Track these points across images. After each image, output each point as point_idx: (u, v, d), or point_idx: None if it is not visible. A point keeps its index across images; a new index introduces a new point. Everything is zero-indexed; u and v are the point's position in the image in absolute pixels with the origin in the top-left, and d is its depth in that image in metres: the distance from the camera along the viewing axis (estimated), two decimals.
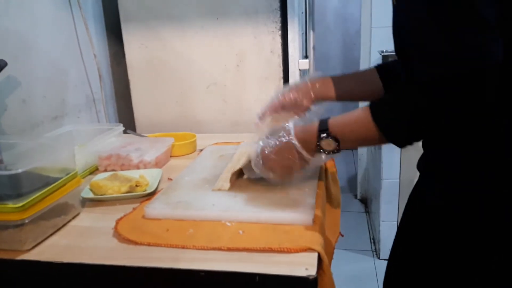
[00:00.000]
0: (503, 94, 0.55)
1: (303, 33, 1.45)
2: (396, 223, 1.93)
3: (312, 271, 0.56)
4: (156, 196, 0.80)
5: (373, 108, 0.62)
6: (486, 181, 0.59)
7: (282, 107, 0.85)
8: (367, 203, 2.59)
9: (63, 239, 0.70)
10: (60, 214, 0.73)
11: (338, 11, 3.45)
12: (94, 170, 1.02)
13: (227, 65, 1.39)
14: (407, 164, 1.86)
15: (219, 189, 0.80)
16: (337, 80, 0.85)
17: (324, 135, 0.66)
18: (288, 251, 0.61)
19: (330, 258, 0.76)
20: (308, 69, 1.39)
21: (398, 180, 1.89)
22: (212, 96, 1.43)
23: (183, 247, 0.64)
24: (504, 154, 0.57)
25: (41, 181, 0.69)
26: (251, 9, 1.31)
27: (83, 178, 0.97)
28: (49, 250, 0.66)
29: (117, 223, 0.72)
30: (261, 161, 0.73)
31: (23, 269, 0.65)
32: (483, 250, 0.60)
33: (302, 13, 1.42)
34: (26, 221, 0.65)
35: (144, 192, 0.83)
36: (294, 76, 1.38)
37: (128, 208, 0.79)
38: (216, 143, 1.15)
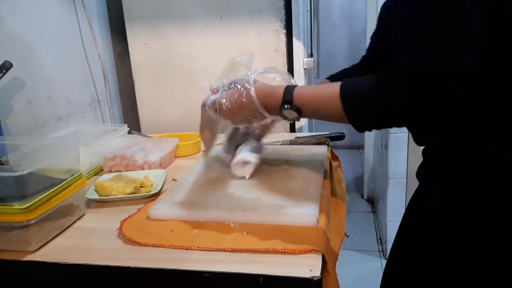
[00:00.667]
0: (503, 94, 0.55)
1: (307, 32, 1.44)
2: None
3: (316, 273, 0.56)
4: (160, 197, 0.80)
5: (343, 86, 0.61)
6: (486, 181, 0.58)
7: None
8: (374, 203, 2.58)
9: (68, 240, 0.70)
10: (65, 215, 0.74)
11: (344, 8, 3.43)
12: (99, 171, 1.03)
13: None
14: (414, 164, 1.84)
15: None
16: None
17: (288, 106, 0.66)
18: (293, 252, 0.60)
19: (335, 259, 0.75)
20: (313, 68, 1.38)
21: (405, 179, 1.88)
22: None
23: (187, 248, 0.64)
24: (504, 154, 0.56)
25: (46, 182, 0.70)
26: (255, 7, 1.31)
27: (88, 179, 0.97)
28: (54, 251, 0.67)
29: (121, 224, 0.72)
30: (217, 111, 0.72)
31: (28, 270, 0.66)
32: (483, 250, 0.59)
33: (307, 11, 1.41)
34: (32, 222, 0.65)
35: (149, 193, 0.83)
36: (299, 75, 1.37)
37: (132, 209, 0.79)
38: (221, 144, 1.15)
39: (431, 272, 0.65)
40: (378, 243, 2.16)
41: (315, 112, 0.66)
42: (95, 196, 0.84)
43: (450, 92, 0.53)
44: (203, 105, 0.75)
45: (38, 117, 1.14)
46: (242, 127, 0.89)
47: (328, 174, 0.91)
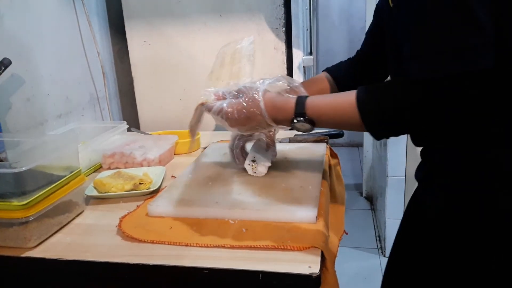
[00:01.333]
0: (504, 95, 0.55)
1: (307, 30, 1.44)
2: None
3: (315, 269, 0.56)
4: (159, 194, 0.80)
5: (359, 96, 0.61)
6: (486, 181, 0.58)
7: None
8: (373, 200, 2.58)
9: (67, 236, 0.70)
10: (64, 211, 0.74)
11: (343, 7, 3.42)
12: (98, 168, 1.03)
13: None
14: (413, 162, 1.84)
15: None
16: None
17: (301, 119, 0.65)
18: (292, 249, 0.60)
19: (334, 256, 0.75)
20: (312, 66, 1.38)
21: (404, 177, 1.88)
22: None
23: (186, 245, 0.64)
24: (504, 154, 0.57)
25: (45, 179, 0.70)
26: (254, 5, 1.31)
27: (87, 176, 0.97)
28: (54, 248, 0.67)
29: (120, 220, 0.72)
30: (224, 119, 0.70)
31: (27, 266, 0.66)
32: (483, 250, 0.59)
33: (306, 9, 1.41)
34: (31, 218, 0.65)
35: (148, 190, 0.84)
36: (298, 73, 1.37)
37: (131, 206, 0.79)
38: (220, 141, 1.15)
39: (432, 272, 0.66)
40: (376, 240, 2.17)
41: (330, 123, 0.65)
42: (94, 193, 0.84)
43: (467, 95, 0.53)
44: (209, 110, 0.73)
45: (37, 114, 1.14)
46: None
47: (327, 171, 0.91)
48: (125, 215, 0.74)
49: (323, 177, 0.84)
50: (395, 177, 1.89)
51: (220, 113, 0.69)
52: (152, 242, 0.65)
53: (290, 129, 0.69)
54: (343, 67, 0.92)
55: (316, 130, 1.22)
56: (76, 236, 0.70)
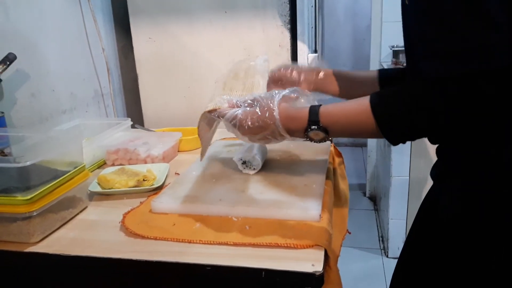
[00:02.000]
0: (504, 94, 0.54)
1: (312, 27, 1.44)
2: (405, 221, 1.91)
3: (318, 267, 0.56)
4: (163, 191, 0.80)
5: (373, 101, 0.60)
6: (486, 181, 0.57)
7: (278, 80, 0.83)
8: (376, 201, 2.57)
9: (70, 232, 0.70)
10: (68, 207, 0.74)
11: (348, 5, 3.41)
12: (102, 164, 1.03)
13: (235, 59, 1.38)
14: (417, 162, 1.83)
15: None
16: (339, 77, 0.84)
17: (315, 127, 0.64)
18: (295, 246, 0.60)
19: (337, 255, 0.75)
20: (317, 64, 1.38)
21: (408, 178, 1.87)
22: None
23: (189, 242, 0.64)
24: (504, 154, 0.56)
25: (49, 174, 0.70)
26: (260, 2, 1.30)
27: (91, 172, 0.97)
28: (57, 243, 0.67)
29: (124, 217, 0.72)
30: (236, 127, 0.69)
31: (31, 261, 0.66)
32: (483, 250, 0.59)
33: (312, 6, 1.41)
34: (34, 213, 0.65)
35: (152, 187, 0.83)
36: None
37: (135, 202, 0.79)
38: (224, 138, 1.15)
39: (441, 274, 0.65)
40: (379, 241, 2.16)
41: (344, 131, 0.64)
42: (98, 189, 0.84)
43: (483, 94, 0.52)
44: (220, 116, 0.72)
45: (42, 110, 1.14)
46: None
47: (331, 170, 0.91)
48: (129, 211, 0.74)
49: (327, 176, 0.84)
50: (399, 177, 1.88)
51: (233, 120, 0.68)
52: (155, 239, 0.65)
53: (305, 140, 0.68)
54: (396, 69, 0.89)
55: None
56: (79, 232, 0.70)
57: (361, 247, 2.10)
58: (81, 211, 0.77)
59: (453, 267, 0.63)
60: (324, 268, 0.56)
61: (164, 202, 0.74)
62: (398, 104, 0.58)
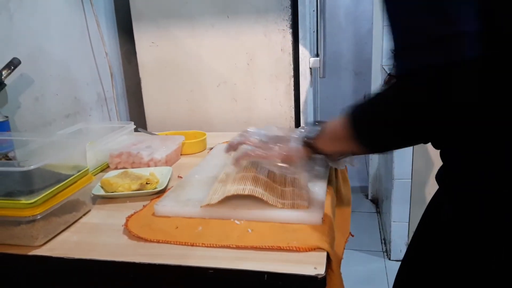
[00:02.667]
0: (504, 93, 0.54)
1: (314, 31, 1.44)
2: (407, 223, 1.91)
3: (320, 270, 0.56)
4: (166, 194, 0.81)
5: (349, 110, 0.61)
6: (486, 181, 0.57)
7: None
8: (378, 203, 2.57)
9: (74, 235, 0.71)
10: (71, 210, 0.74)
11: (350, 9, 3.41)
12: (105, 168, 1.03)
13: (237, 63, 1.39)
14: (419, 165, 1.83)
15: (208, 204, 0.73)
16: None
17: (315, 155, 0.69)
18: (297, 250, 0.60)
19: (340, 258, 0.75)
20: (319, 67, 1.38)
21: (410, 180, 1.87)
22: (222, 94, 1.43)
23: (192, 245, 0.64)
24: (504, 154, 0.56)
25: (53, 178, 0.70)
26: (261, 7, 1.31)
27: (94, 175, 0.98)
28: (60, 246, 0.67)
29: (127, 220, 0.73)
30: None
31: (34, 265, 0.66)
32: (483, 250, 0.59)
33: (313, 11, 1.41)
34: (38, 217, 0.66)
35: (154, 190, 0.84)
36: (304, 75, 1.37)
37: (138, 205, 0.79)
38: (226, 142, 1.15)
39: (443, 277, 0.65)
40: (382, 243, 2.15)
41: (333, 150, 0.68)
42: (101, 192, 0.84)
43: (454, 86, 0.50)
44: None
45: (45, 114, 1.15)
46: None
47: (334, 172, 0.91)
48: (132, 215, 0.75)
49: (329, 178, 0.84)
50: (401, 180, 1.88)
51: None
52: (158, 242, 0.65)
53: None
54: None
55: None
56: (82, 235, 0.71)
57: (363, 249, 2.09)
58: (84, 215, 0.78)
59: (454, 269, 0.63)
60: (326, 271, 0.56)
61: (167, 205, 0.74)
62: (371, 107, 0.59)
